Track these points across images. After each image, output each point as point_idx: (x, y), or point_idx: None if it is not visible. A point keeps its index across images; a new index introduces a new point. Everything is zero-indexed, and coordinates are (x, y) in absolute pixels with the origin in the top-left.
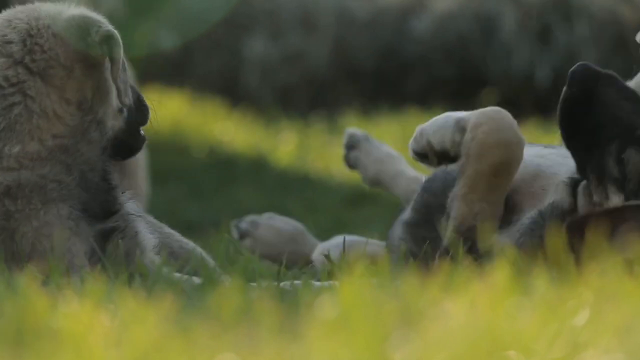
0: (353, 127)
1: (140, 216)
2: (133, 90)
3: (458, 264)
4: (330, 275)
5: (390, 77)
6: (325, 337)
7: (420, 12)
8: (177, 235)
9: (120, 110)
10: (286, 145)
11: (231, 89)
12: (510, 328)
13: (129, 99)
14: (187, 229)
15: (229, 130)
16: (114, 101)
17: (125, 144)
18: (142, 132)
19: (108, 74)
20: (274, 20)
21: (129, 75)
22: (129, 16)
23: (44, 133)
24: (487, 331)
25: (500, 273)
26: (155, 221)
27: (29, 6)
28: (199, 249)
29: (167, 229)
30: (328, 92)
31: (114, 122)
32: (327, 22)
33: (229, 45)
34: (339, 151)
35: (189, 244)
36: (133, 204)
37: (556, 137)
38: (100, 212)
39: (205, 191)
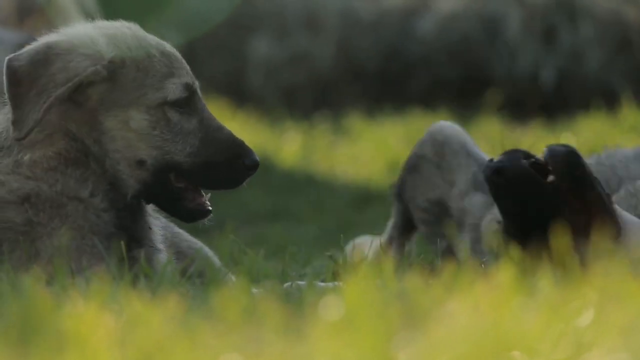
0: (357, 126)
1: (159, 249)
2: (199, 152)
3: (462, 265)
4: (334, 276)
5: (394, 77)
6: (329, 337)
7: (424, 13)
8: (185, 235)
9: (140, 162)
10: (291, 145)
11: (236, 90)
12: (515, 328)
13: (140, 155)
14: (193, 229)
15: (234, 131)
16: (123, 147)
17: (163, 206)
18: (189, 201)
19: (102, 117)
20: (279, 21)
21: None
22: (131, 16)
23: (44, 147)
24: (492, 332)
25: (504, 273)
26: (164, 220)
27: (88, 25)
28: (206, 249)
29: (176, 229)
30: (332, 92)
31: (128, 170)
32: (332, 23)
33: (233, 46)
34: (344, 151)
35: (197, 243)
36: (156, 233)
37: (561, 137)
38: (126, 238)
39: (211, 191)
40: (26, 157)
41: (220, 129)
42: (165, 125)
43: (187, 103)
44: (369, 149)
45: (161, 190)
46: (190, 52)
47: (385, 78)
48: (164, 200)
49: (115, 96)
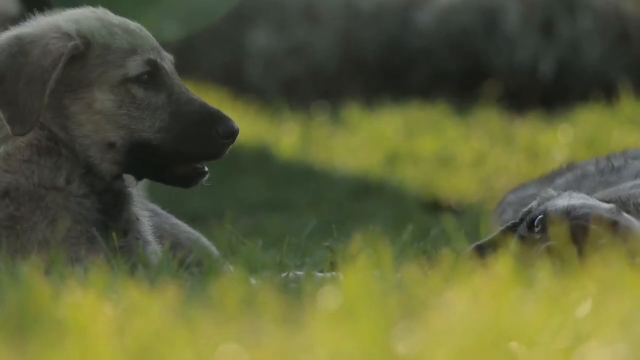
0: (356, 118)
1: (148, 241)
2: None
3: (461, 256)
4: (332, 266)
5: (394, 69)
6: (328, 328)
7: (423, 5)
8: (184, 226)
9: (110, 145)
10: (290, 136)
11: (235, 81)
12: (514, 320)
13: (103, 138)
14: (191, 220)
15: None
16: (89, 130)
17: (151, 177)
18: (175, 167)
19: (67, 101)
20: (278, 12)
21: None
22: (131, 6)
23: (15, 138)
24: (491, 323)
25: (503, 265)
26: (162, 212)
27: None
28: (204, 239)
29: (174, 220)
30: (332, 84)
31: (100, 155)
32: (332, 14)
33: (232, 36)
34: (343, 143)
35: (195, 234)
36: (144, 224)
37: (559, 129)
38: (114, 225)
39: (209, 182)
40: (0, 151)
41: (191, 101)
42: (131, 102)
43: (152, 78)
44: (368, 141)
45: (142, 165)
46: (189, 43)
47: (385, 70)
48: (150, 173)
49: (80, 76)
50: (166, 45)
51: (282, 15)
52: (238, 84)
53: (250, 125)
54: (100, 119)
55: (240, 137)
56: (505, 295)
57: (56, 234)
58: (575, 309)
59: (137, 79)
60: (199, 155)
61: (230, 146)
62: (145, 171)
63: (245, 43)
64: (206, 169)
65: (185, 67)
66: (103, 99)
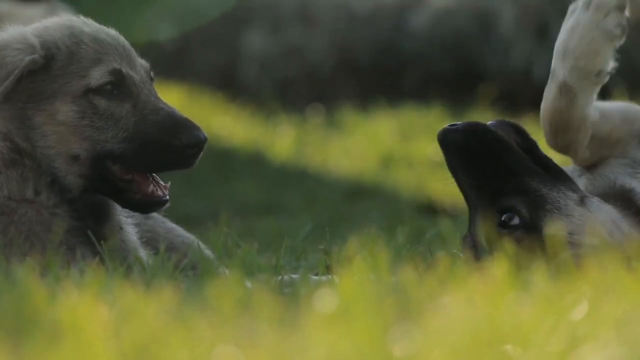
0: (350, 120)
1: (136, 248)
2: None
3: (457, 258)
4: (327, 269)
5: (388, 72)
6: (324, 329)
7: (418, 8)
8: (179, 230)
9: (75, 157)
10: (284, 139)
11: (229, 83)
12: (509, 321)
13: (66, 152)
14: (186, 222)
15: (227, 124)
16: (55, 142)
17: (111, 198)
18: (133, 192)
19: (31, 112)
20: (273, 15)
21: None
22: (126, 7)
23: None
24: (486, 325)
25: (499, 267)
26: (157, 216)
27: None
28: (197, 242)
29: (169, 224)
30: (326, 86)
31: (65, 167)
32: (326, 17)
33: (227, 39)
34: (337, 145)
35: (190, 238)
36: (129, 233)
37: None
38: (94, 231)
39: (204, 184)
40: None
41: (156, 110)
42: (94, 113)
43: (117, 88)
44: (362, 143)
45: (104, 183)
46: (184, 45)
47: (379, 72)
48: (110, 193)
49: (43, 87)
50: (159, 46)
51: (277, 17)
52: (233, 86)
53: (244, 128)
54: (64, 130)
55: (235, 139)
56: (500, 297)
57: (34, 248)
58: (570, 311)
59: (100, 89)
60: (165, 164)
61: (224, 151)
62: (106, 191)
63: (240, 45)
64: (167, 197)
65: (179, 69)
66: (66, 110)
